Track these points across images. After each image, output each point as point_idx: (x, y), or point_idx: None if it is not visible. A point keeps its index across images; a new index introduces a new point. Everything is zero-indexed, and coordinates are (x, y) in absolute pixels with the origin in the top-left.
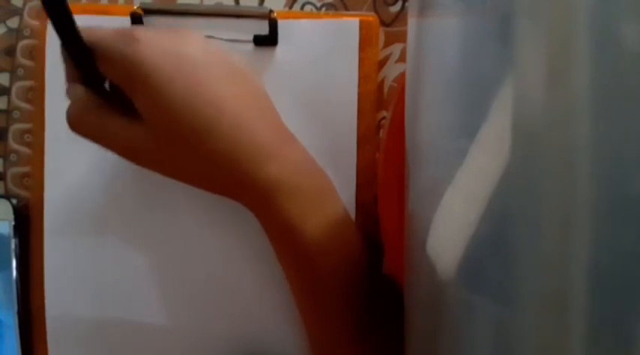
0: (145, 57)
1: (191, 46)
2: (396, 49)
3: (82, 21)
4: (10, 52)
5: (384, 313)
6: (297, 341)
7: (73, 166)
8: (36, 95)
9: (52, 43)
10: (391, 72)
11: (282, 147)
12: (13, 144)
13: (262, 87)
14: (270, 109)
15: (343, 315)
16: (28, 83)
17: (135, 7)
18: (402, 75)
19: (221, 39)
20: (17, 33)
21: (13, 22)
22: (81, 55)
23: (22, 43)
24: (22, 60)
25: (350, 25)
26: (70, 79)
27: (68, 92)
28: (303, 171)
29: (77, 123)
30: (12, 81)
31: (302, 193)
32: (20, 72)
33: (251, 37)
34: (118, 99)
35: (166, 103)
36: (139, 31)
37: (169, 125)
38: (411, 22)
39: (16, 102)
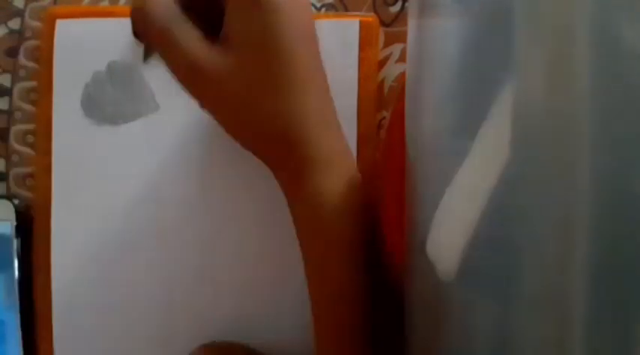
0: None
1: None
2: (396, 49)
3: (84, 24)
4: (12, 53)
5: (386, 310)
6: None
7: (81, 165)
8: (40, 95)
9: (59, 43)
10: (391, 72)
11: (333, 129)
12: (15, 145)
13: None
14: (328, 90)
15: (351, 302)
16: (29, 84)
17: None
18: (402, 75)
19: None
20: (19, 34)
21: (15, 23)
22: None
23: (24, 44)
24: (23, 61)
25: (350, 25)
26: None
27: None
28: (343, 156)
29: (146, 18)
30: (14, 82)
31: (337, 175)
32: (22, 73)
33: None
34: (196, 12)
35: (272, 41)
36: None
37: (260, 63)
38: (411, 23)
39: (18, 103)
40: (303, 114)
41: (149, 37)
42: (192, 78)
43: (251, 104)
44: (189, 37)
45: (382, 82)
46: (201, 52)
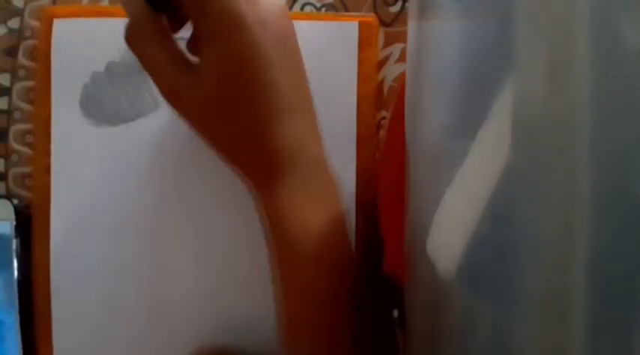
0: (241, 11)
1: (281, 16)
2: (395, 49)
3: (82, 24)
4: (11, 52)
5: (376, 322)
6: None
7: (80, 166)
8: (38, 95)
9: (57, 43)
10: (391, 72)
11: (312, 145)
12: (15, 145)
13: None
14: (311, 105)
15: (325, 324)
16: (29, 84)
17: None
18: (402, 75)
19: None
20: (18, 34)
21: (14, 23)
22: None
23: (23, 44)
24: (23, 60)
25: (349, 27)
26: None
27: (125, 2)
28: (319, 170)
29: (135, 41)
30: (13, 81)
31: (310, 190)
32: (21, 72)
33: None
34: (177, 24)
35: (241, 64)
36: None
37: (232, 84)
38: (411, 23)
39: (17, 102)
40: (278, 134)
41: (139, 55)
42: (171, 97)
43: (225, 126)
44: (169, 63)
45: (382, 82)
46: (179, 78)
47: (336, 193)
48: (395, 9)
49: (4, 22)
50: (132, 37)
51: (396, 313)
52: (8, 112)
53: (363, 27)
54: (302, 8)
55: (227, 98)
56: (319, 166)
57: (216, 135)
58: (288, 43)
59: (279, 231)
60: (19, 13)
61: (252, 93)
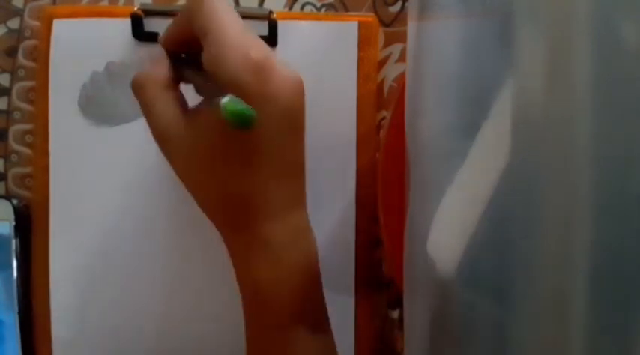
0: (244, 81)
1: (293, 93)
2: (395, 49)
3: (82, 24)
4: (11, 52)
5: None
6: None
7: (79, 166)
8: (38, 95)
9: (56, 43)
10: (391, 72)
11: (295, 213)
12: (14, 145)
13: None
14: (302, 172)
15: None
16: (28, 84)
17: (135, 9)
18: (402, 75)
19: None
20: (18, 34)
21: (14, 23)
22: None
23: (23, 44)
24: (22, 61)
25: (349, 27)
26: (164, 45)
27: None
28: (298, 240)
29: (140, 84)
30: (13, 81)
31: (287, 264)
32: (21, 73)
33: None
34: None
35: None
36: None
37: (224, 144)
38: (411, 23)
39: (17, 103)
40: (267, 198)
41: (139, 100)
42: (161, 141)
43: (211, 182)
44: (166, 110)
45: (382, 81)
46: (173, 124)
47: (312, 260)
48: (395, 9)
49: (4, 22)
50: (138, 85)
51: (396, 313)
52: (8, 112)
53: (363, 27)
54: (302, 8)
55: (217, 155)
56: (298, 236)
57: (200, 190)
58: (294, 116)
59: (254, 302)
60: (18, 13)
61: (241, 157)
